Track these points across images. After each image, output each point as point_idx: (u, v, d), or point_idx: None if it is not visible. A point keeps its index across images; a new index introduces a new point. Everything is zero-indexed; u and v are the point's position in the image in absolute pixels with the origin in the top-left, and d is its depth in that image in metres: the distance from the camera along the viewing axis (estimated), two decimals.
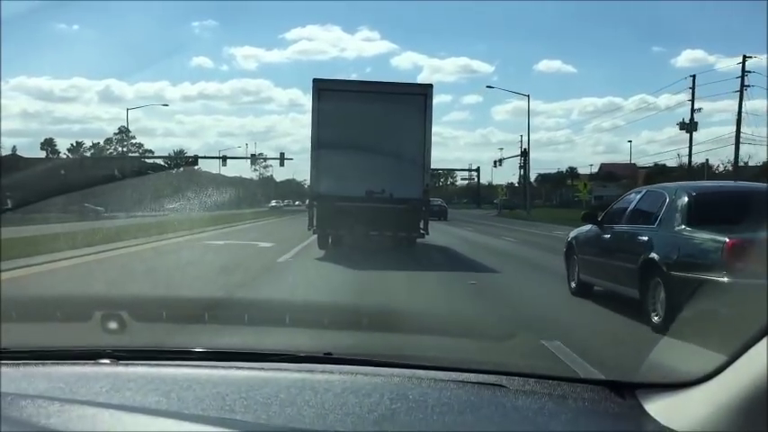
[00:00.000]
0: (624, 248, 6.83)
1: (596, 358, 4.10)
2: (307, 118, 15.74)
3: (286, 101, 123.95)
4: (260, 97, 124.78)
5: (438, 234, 18.29)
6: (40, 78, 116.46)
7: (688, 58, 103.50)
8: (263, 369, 1.61)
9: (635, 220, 6.99)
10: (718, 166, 46.86)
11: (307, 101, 17.26)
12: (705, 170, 40.25)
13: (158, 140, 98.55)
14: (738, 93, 34.70)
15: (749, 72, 34.56)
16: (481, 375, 1.55)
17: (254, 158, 63.98)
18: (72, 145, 68.51)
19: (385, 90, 14.10)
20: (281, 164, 54.62)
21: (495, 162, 66.83)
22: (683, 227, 6.04)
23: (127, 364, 1.62)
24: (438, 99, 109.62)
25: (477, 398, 1.43)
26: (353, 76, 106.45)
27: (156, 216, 24.88)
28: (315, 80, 13.83)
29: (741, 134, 34.68)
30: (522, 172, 56.56)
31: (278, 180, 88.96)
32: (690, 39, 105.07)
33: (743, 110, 34.53)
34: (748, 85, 34.35)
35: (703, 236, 5.77)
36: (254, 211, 42.89)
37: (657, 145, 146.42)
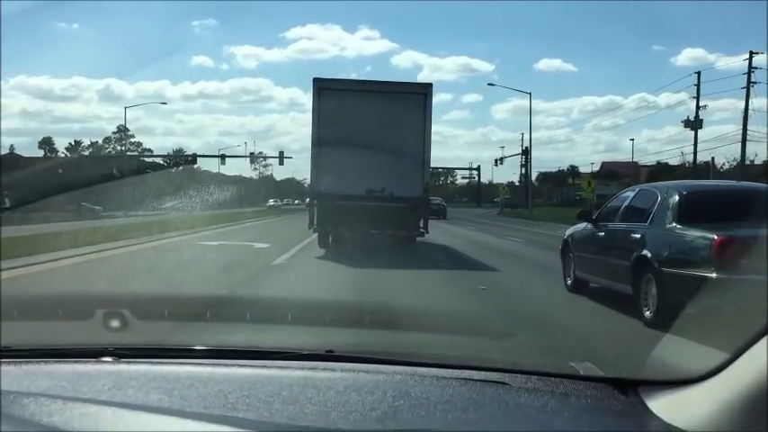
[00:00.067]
0: (618, 246, 7.00)
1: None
2: (307, 117, 15.75)
3: (286, 100, 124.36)
4: (260, 96, 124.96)
5: (439, 233, 18.23)
6: (40, 77, 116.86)
7: (688, 56, 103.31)
8: (265, 367, 1.61)
9: (628, 218, 7.16)
10: (724, 164, 46.46)
11: (307, 100, 17.25)
12: (711, 168, 39.35)
13: (158, 140, 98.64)
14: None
15: (755, 68, 33.68)
16: (484, 373, 1.55)
17: (253, 157, 64.00)
18: (70, 144, 68.45)
19: (385, 89, 14.10)
20: (281, 162, 54.80)
21: (496, 160, 66.91)
22: (675, 224, 6.21)
23: (129, 362, 1.62)
24: (438, 98, 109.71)
25: (479, 395, 1.43)
26: (353, 75, 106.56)
27: (154, 215, 24.84)
28: (315, 79, 13.84)
29: (739, 133, 34.40)
30: (523, 170, 56.46)
31: (278, 179, 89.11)
32: (690, 37, 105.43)
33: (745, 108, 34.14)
34: (755, 82, 33.57)
35: (693, 233, 5.93)
36: (255, 210, 42.84)
37: (658, 144, 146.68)
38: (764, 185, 8.16)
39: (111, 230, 16.44)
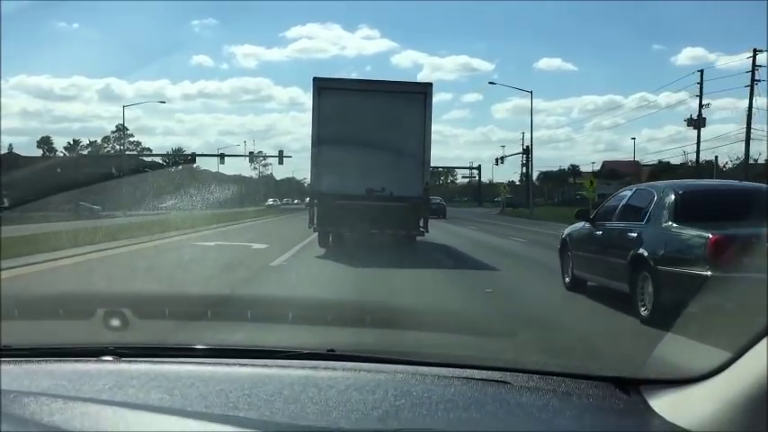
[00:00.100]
0: (615, 244, 7.07)
1: None
2: (307, 116, 15.74)
3: (286, 99, 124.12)
4: (260, 96, 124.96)
5: (440, 233, 18.16)
6: (39, 77, 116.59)
7: (688, 55, 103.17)
8: (266, 366, 1.60)
9: (625, 217, 7.23)
10: (727, 163, 46.11)
11: (307, 99, 17.24)
12: (714, 167, 38.77)
13: (158, 139, 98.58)
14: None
15: (758, 66, 32.91)
16: (485, 372, 1.54)
17: (252, 156, 63.91)
18: (69, 143, 68.19)
19: (385, 89, 14.11)
20: (280, 162, 54.67)
21: (496, 159, 66.76)
22: (670, 223, 6.29)
23: (130, 362, 1.62)
24: (438, 97, 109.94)
25: (481, 394, 1.43)
26: (354, 75, 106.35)
27: (153, 215, 24.74)
28: (315, 79, 13.85)
29: (743, 131, 34.05)
30: (524, 169, 56.33)
31: (278, 178, 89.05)
32: (690, 36, 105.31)
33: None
34: (759, 80, 32.95)
35: (689, 232, 6.01)
36: (253, 210, 42.72)
37: (658, 143, 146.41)
38: (760, 185, 8.31)
39: (107, 230, 16.00)
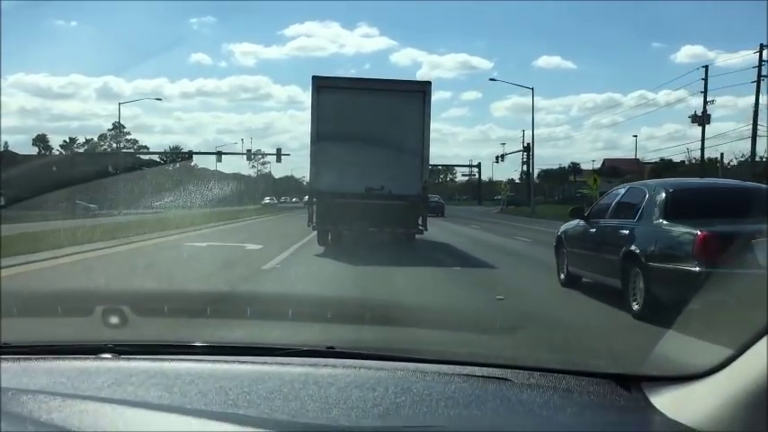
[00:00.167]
0: (608, 241, 7.21)
1: None
2: (305, 115, 15.75)
3: (285, 97, 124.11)
4: (258, 94, 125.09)
5: (440, 231, 18.09)
6: (37, 75, 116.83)
7: (687, 53, 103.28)
8: (265, 363, 1.60)
9: (618, 214, 7.38)
10: (732, 160, 45.54)
11: (305, 97, 17.22)
12: (720, 165, 38.39)
13: (157, 138, 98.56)
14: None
15: (766, 62, 32.01)
16: (486, 369, 1.54)
17: (250, 154, 63.79)
18: (65, 141, 67.83)
19: (384, 87, 14.13)
20: (278, 159, 54.59)
21: (497, 157, 66.79)
22: (661, 221, 6.42)
23: (129, 359, 1.61)
24: (437, 95, 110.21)
25: (482, 391, 1.42)
26: (352, 73, 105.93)
27: (150, 213, 24.57)
28: (314, 77, 13.86)
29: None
30: (525, 167, 56.22)
31: (276, 177, 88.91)
32: (689, 34, 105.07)
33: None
34: (765, 76, 32.17)
35: (678, 229, 6.15)
36: (250, 209, 42.48)
37: (657, 141, 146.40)
38: (749, 183, 8.50)
39: (94, 230, 15.03)
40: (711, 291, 4.02)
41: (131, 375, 1.45)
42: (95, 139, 66.38)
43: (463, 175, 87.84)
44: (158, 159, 58.87)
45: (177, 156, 62.95)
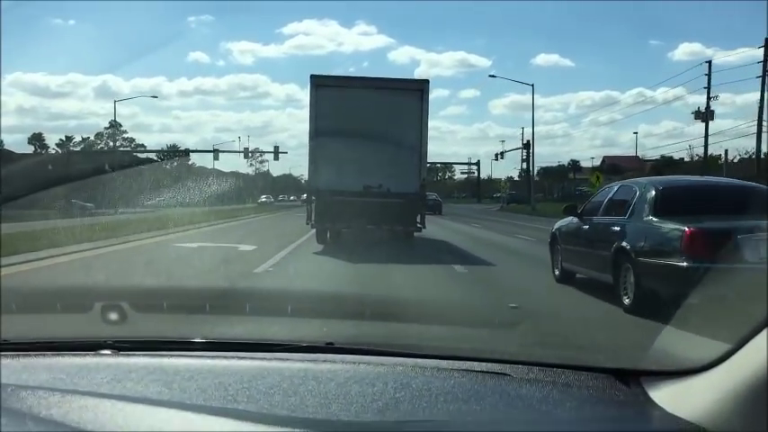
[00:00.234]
0: (600, 238, 7.38)
1: None
2: (304, 113, 15.77)
3: (283, 96, 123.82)
4: (257, 92, 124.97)
5: (440, 230, 18.02)
6: (35, 74, 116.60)
7: (685, 51, 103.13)
8: (265, 359, 1.60)
9: (610, 211, 7.54)
10: (735, 157, 45.15)
11: (303, 96, 17.19)
12: (725, 162, 37.77)
13: (155, 136, 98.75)
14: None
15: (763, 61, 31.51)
16: (485, 364, 1.54)
17: (247, 152, 63.59)
18: (61, 140, 67.45)
19: (382, 86, 14.14)
20: (276, 158, 54.55)
21: (496, 155, 66.62)
22: (651, 217, 6.57)
23: (128, 355, 1.61)
24: (435, 93, 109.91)
25: (481, 386, 1.43)
26: (351, 71, 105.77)
27: (147, 212, 24.40)
28: (312, 76, 13.89)
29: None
30: (525, 165, 55.97)
31: (275, 175, 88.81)
32: (687, 32, 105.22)
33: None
34: None
35: (667, 225, 6.30)
36: (247, 207, 42.29)
37: (655, 138, 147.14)
38: (737, 181, 8.76)
39: (82, 230, 14.43)
40: (710, 285, 4.04)
41: (131, 371, 1.45)
42: (92, 137, 66.19)
43: (462, 173, 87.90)
44: (155, 158, 58.73)
45: (174, 154, 62.82)
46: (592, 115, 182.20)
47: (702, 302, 2.34)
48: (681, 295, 5.21)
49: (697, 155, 42.55)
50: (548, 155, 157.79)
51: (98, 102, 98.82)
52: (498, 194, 61.34)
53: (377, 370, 1.49)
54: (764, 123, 31.60)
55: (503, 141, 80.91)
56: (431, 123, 14.42)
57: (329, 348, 1.67)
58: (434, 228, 16.40)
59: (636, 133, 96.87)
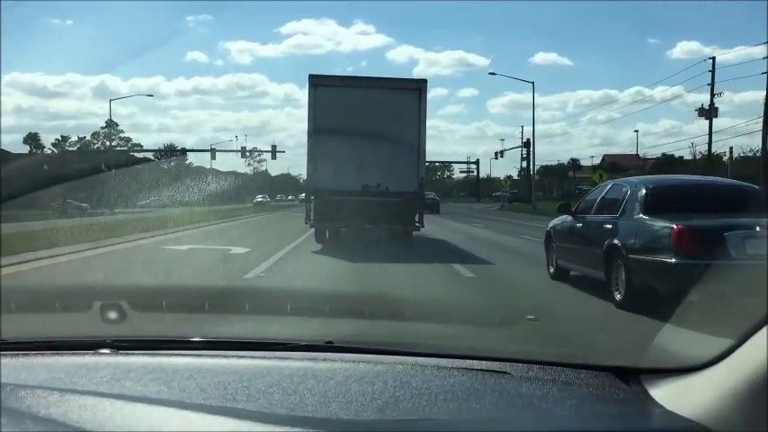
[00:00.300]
0: (593, 236, 7.54)
1: None
2: (302, 113, 15.79)
3: (281, 95, 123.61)
4: (255, 92, 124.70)
5: (439, 229, 17.99)
6: (33, 74, 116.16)
7: (683, 49, 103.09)
8: (264, 358, 1.60)
9: (602, 210, 7.73)
10: (739, 155, 44.96)
11: (302, 95, 17.18)
12: (730, 160, 37.47)
13: (153, 136, 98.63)
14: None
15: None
16: (485, 362, 1.54)
17: (245, 152, 63.48)
18: (57, 140, 67.10)
19: (380, 85, 14.18)
20: (273, 157, 54.55)
21: (496, 153, 66.68)
22: (641, 216, 6.74)
23: (127, 354, 1.61)
24: (434, 92, 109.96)
25: (480, 385, 1.43)
26: (349, 70, 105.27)
27: (143, 212, 24.27)
28: (310, 76, 13.91)
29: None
30: (524, 164, 56.03)
31: (273, 175, 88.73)
32: (685, 30, 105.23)
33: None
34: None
35: (657, 223, 6.46)
36: (243, 207, 42.12)
37: (654, 137, 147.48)
38: (726, 180, 8.78)
39: (70, 231, 14.11)
40: (709, 282, 4.06)
41: (130, 370, 1.44)
42: (88, 137, 65.95)
43: (461, 172, 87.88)
44: (152, 157, 58.60)
45: (171, 153, 62.71)
46: (590, 114, 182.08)
47: (702, 300, 2.34)
48: (670, 291, 5.43)
49: (700, 152, 42.30)
50: (546, 153, 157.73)
51: (96, 102, 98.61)
52: (498, 193, 61.29)
53: (376, 368, 1.49)
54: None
55: (502, 140, 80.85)
56: (429, 122, 14.49)
57: (328, 347, 1.67)
58: (433, 227, 16.38)
59: (636, 131, 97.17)
